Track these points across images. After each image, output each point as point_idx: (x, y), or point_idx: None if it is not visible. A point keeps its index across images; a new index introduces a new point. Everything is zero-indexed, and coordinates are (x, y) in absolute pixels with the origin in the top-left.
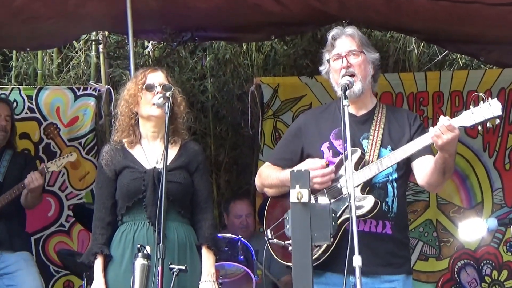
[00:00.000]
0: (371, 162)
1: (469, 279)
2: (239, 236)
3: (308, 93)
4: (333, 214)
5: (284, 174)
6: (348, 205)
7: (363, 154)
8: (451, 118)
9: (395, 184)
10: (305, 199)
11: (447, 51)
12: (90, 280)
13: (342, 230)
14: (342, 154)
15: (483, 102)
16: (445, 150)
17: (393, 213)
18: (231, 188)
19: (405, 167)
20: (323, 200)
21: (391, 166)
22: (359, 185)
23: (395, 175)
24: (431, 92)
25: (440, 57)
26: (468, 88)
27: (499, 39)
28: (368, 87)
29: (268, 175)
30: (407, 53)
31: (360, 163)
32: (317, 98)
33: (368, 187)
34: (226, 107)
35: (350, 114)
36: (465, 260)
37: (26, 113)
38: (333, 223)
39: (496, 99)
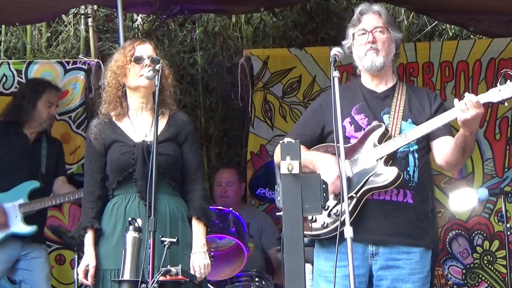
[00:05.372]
0: (394, 136)
1: (460, 249)
2: (230, 208)
3: (297, 65)
4: (323, 185)
5: (305, 157)
6: (369, 176)
7: (386, 130)
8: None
9: (416, 155)
10: (295, 170)
11: (436, 21)
12: (81, 254)
13: (363, 200)
14: (364, 129)
15: (510, 80)
16: (467, 126)
17: (414, 182)
18: (221, 161)
19: (424, 141)
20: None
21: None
22: (383, 157)
23: (415, 146)
24: (421, 63)
25: (429, 27)
26: (458, 58)
27: (489, 9)
28: (389, 64)
29: None
30: (396, 24)
31: (383, 138)
32: (307, 69)
33: (391, 160)
34: (216, 80)
35: (370, 90)
36: (457, 231)
37: (16, 87)
38: (324, 194)
39: None
